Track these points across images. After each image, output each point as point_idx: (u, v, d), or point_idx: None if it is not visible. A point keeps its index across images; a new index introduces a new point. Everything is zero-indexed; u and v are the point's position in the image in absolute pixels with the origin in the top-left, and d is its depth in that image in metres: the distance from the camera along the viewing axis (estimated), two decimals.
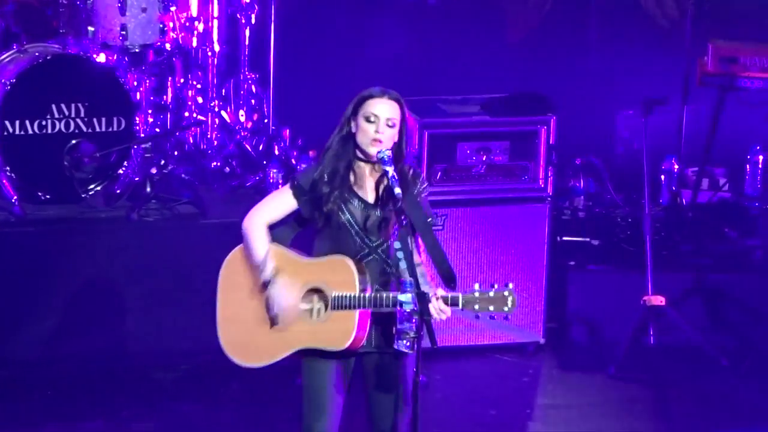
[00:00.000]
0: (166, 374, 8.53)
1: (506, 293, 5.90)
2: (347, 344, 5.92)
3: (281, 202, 6.04)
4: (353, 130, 5.96)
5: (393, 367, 6.04)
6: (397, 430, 6.05)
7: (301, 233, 6.09)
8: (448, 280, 5.88)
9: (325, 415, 6.03)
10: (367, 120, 5.92)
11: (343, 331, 5.92)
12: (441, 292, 5.89)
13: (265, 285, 5.94)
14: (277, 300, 5.94)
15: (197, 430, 7.94)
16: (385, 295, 5.86)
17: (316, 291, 5.95)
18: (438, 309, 5.86)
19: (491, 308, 5.90)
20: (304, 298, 5.95)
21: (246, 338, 5.99)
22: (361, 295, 5.90)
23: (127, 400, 8.19)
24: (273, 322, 5.96)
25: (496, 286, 5.92)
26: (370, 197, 6.02)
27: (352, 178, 6.00)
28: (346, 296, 5.91)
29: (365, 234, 5.98)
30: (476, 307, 5.90)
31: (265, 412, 7.80)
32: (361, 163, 5.99)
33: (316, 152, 6.17)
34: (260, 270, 5.94)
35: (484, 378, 8.68)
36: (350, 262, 5.92)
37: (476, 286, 5.91)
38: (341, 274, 5.92)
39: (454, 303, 5.89)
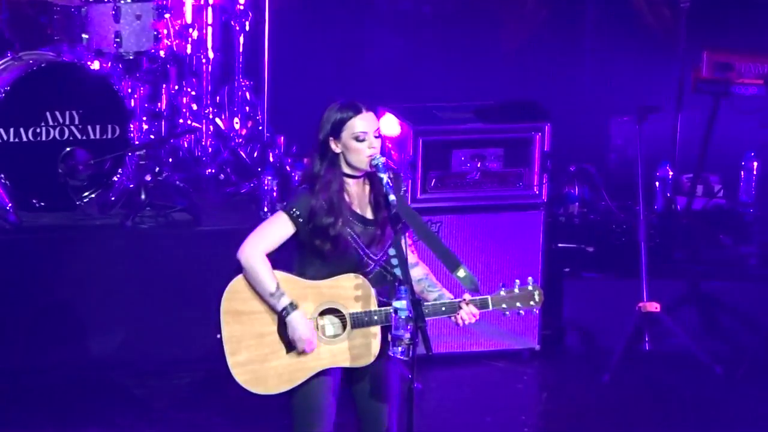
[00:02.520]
0: (161, 381, 8.53)
1: (531, 288, 6.03)
2: (372, 360, 5.98)
3: (278, 231, 5.97)
4: (337, 150, 5.92)
5: (380, 371, 6.04)
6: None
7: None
8: (455, 266, 5.88)
9: (322, 421, 6.04)
10: (357, 140, 5.87)
11: (368, 347, 5.97)
12: (468, 296, 5.95)
13: (282, 314, 5.90)
14: (299, 329, 5.89)
15: None
16: (402, 315, 5.83)
17: (330, 311, 5.96)
18: (470, 314, 5.94)
19: (518, 305, 6.03)
20: (317, 320, 5.98)
21: (262, 368, 5.95)
22: (382, 310, 5.93)
23: (122, 408, 8.20)
24: (289, 347, 5.94)
25: (518, 282, 6.03)
26: (367, 213, 6.01)
27: (346, 197, 5.98)
28: (367, 313, 5.94)
29: (368, 249, 5.98)
30: (504, 306, 6.02)
31: (260, 418, 7.79)
32: (350, 180, 5.97)
33: (309, 159, 6.15)
34: (274, 301, 5.90)
35: (479, 385, 8.70)
36: (365, 280, 5.94)
37: (501, 286, 6.00)
38: (357, 292, 5.95)
39: (483, 306, 5.98)
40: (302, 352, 5.92)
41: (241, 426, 7.93)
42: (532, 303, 6.03)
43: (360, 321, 5.94)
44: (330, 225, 5.90)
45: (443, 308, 5.97)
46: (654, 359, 8.86)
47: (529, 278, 6.07)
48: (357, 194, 6.00)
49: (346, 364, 5.98)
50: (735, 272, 9.49)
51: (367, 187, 6.02)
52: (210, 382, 8.35)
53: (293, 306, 5.88)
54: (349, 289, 5.95)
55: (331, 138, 5.91)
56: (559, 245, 9.55)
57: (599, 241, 9.71)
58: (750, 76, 9.49)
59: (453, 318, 6.00)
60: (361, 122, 5.90)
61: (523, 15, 11.60)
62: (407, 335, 5.79)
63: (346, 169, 5.94)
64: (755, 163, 10.15)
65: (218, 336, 5.94)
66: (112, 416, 8.07)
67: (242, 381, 5.94)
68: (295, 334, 5.89)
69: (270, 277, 5.89)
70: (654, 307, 8.75)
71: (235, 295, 5.95)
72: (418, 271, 6.05)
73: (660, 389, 8.65)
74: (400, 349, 5.85)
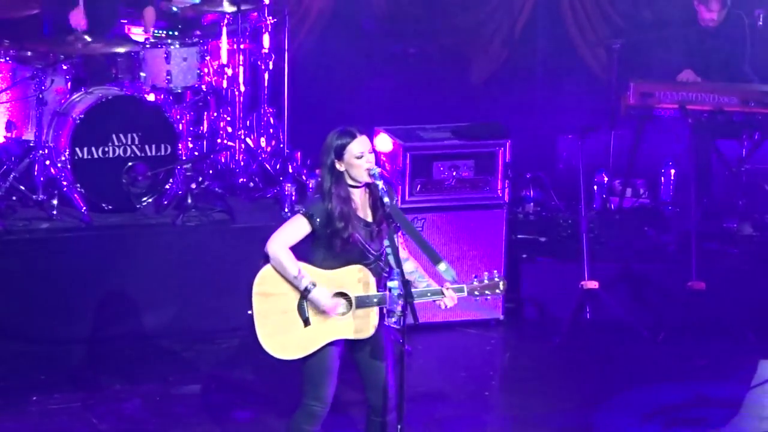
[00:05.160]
0: (205, 346, 8.52)
1: (497, 279, 6.09)
2: (372, 333, 6.01)
3: (298, 230, 5.97)
4: (341, 169, 5.94)
5: (378, 339, 6.09)
6: (387, 387, 6.10)
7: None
8: (437, 260, 5.88)
9: (331, 381, 6.08)
10: (358, 158, 5.90)
11: (368, 323, 5.99)
12: (449, 285, 6.00)
13: (305, 292, 5.91)
14: (321, 301, 5.92)
15: (230, 389, 7.94)
16: (395, 292, 5.93)
17: (339, 294, 5.98)
18: (451, 298, 6.01)
19: (487, 292, 6.10)
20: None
21: (284, 338, 5.96)
22: (381, 294, 5.96)
23: (172, 367, 8.22)
24: (306, 323, 5.95)
25: (487, 274, 6.10)
26: (368, 217, 6.04)
27: (353, 205, 5.99)
28: (369, 296, 5.97)
29: (369, 246, 6.01)
30: (476, 293, 6.09)
31: (283, 374, 7.74)
32: (354, 190, 5.98)
33: (320, 176, 6.15)
34: (297, 282, 5.91)
35: (455, 347, 8.71)
36: (368, 271, 5.97)
37: (474, 278, 6.09)
38: (361, 280, 5.97)
39: (460, 292, 6.04)
40: (313, 325, 5.94)
41: (268, 381, 7.92)
42: (497, 291, 6.11)
43: (362, 302, 5.97)
44: (343, 228, 5.92)
45: (429, 294, 6.03)
46: (594, 326, 8.86)
47: (495, 271, 6.14)
48: (360, 202, 6.03)
49: (351, 336, 6.01)
50: (657, 256, 9.49)
51: (367, 195, 6.06)
52: (244, 347, 8.34)
53: (313, 284, 5.90)
54: (355, 278, 5.97)
55: (336, 160, 5.93)
56: (518, 236, 9.55)
57: (550, 233, 9.70)
58: (668, 102, 9.42)
59: (437, 302, 6.04)
60: (358, 144, 5.93)
61: (489, 54, 11.59)
62: (399, 308, 5.85)
63: (350, 182, 5.98)
64: (672, 170, 10.18)
65: (249, 312, 5.95)
66: (166, 374, 8.10)
67: (268, 348, 5.97)
68: (319, 305, 5.92)
69: (293, 264, 5.91)
70: (593, 284, 8.74)
71: (264, 281, 5.96)
72: (409, 265, 6.07)
73: (598, 349, 8.64)
74: (393, 319, 5.94)
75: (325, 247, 5.99)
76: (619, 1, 11.49)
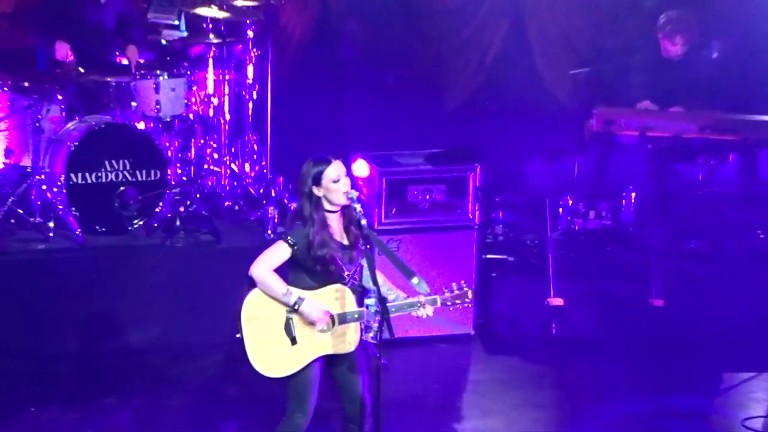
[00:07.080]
0: (189, 362, 8.53)
1: (465, 289, 6.19)
2: (354, 347, 6.11)
3: (280, 255, 6.00)
4: (320, 194, 5.98)
5: (354, 355, 6.19)
6: (363, 398, 6.20)
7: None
8: (410, 275, 5.97)
9: (314, 394, 6.18)
10: (335, 182, 5.96)
11: (351, 338, 6.08)
12: (423, 298, 6.10)
13: (294, 306, 5.96)
14: (312, 312, 5.99)
15: (216, 402, 7.95)
16: (371, 309, 6.04)
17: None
18: (426, 309, 6.11)
19: (458, 302, 6.18)
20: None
21: (273, 357, 6.01)
22: (361, 309, 6.05)
23: (161, 382, 8.22)
24: (293, 342, 6.02)
25: (455, 285, 6.19)
26: (344, 240, 6.10)
27: (330, 230, 6.05)
28: (349, 313, 6.05)
29: (346, 267, 6.09)
30: (448, 303, 6.15)
31: (266, 387, 7.60)
32: (331, 215, 6.05)
33: (298, 203, 6.27)
34: (286, 299, 5.96)
35: (429, 361, 8.73)
36: (347, 288, 6.04)
37: (444, 289, 6.19)
38: (341, 298, 6.05)
39: (434, 303, 6.13)
40: (299, 344, 6.01)
41: (252, 394, 7.89)
42: (466, 299, 6.19)
43: (344, 319, 6.06)
44: (322, 255, 5.99)
45: (406, 306, 6.11)
46: (560, 341, 8.87)
47: (462, 282, 6.23)
48: (336, 226, 6.10)
49: (334, 351, 6.09)
50: (619, 275, 9.53)
51: (341, 219, 6.12)
52: (227, 362, 8.35)
53: (301, 298, 5.97)
54: (335, 296, 6.07)
55: (314, 186, 6.00)
56: (488, 256, 9.60)
57: (518, 253, 9.79)
58: (629, 129, 9.45)
59: (414, 312, 6.13)
60: (334, 169, 5.99)
61: (462, 83, 11.36)
62: (376, 324, 5.97)
63: (328, 207, 6.04)
64: (633, 193, 10.20)
65: (238, 336, 5.99)
66: (152, 389, 8.11)
67: (259, 368, 6.03)
68: (311, 317, 5.99)
69: (279, 283, 5.99)
70: (559, 301, 8.83)
71: (251, 305, 6.02)
72: (378, 278, 6.07)
73: (564, 363, 8.64)
74: (371, 335, 6.06)
75: (305, 270, 6.04)
76: (586, 30, 11.47)
